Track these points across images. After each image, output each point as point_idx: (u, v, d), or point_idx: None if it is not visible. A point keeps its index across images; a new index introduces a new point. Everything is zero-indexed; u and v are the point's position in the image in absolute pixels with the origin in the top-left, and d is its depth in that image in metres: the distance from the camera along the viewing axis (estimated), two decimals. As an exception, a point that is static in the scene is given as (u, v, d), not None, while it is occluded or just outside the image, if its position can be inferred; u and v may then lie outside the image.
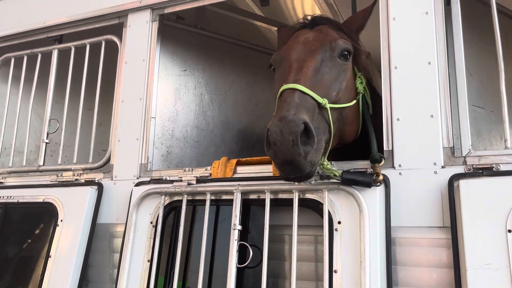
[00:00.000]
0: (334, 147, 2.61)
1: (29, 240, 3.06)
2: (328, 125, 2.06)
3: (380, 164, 2.15)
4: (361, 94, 2.38)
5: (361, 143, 2.42)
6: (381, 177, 2.11)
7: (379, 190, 2.13)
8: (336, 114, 2.17)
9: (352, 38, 2.44)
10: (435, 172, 2.12)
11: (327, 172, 2.16)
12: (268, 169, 2.51)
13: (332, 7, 4.20)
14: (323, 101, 2.03)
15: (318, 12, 4.35)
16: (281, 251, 2.39)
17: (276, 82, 2.32)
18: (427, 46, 2.28)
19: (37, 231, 3.08)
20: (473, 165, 2.06)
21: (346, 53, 2.30)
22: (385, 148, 2.26)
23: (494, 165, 2.01)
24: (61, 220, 2.85)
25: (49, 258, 2.75)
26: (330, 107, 2.06)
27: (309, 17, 2.52)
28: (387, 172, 2.19)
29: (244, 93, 3.97)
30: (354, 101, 2.32)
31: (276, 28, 4.34)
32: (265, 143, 1.90)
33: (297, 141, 1.79)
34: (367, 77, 2.59)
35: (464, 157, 2.10)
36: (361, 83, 2.40)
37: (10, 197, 3.13)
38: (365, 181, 2.10)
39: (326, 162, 2.14)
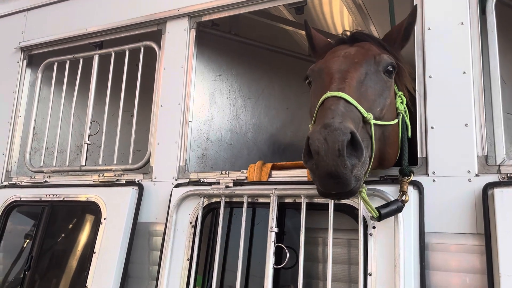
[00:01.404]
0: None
1: (73, 236, 3.23)
2: (371, 142, 1.90)
3: (408, 179, 2.14)
4: (401, 115, 2.23)
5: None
6: (407, 198, 2.09)
7: (413, 197, 2.19)
8: (379, 132, 2.03)
9: (394, 55, 2.30)
10: (469, 180, 2.16)
11: (368, 208, 2.02)
12: (303, 174, 2.59)
13: (362, 11, 4.23)
14: (368, 115, 1.89)
15: (347, 16, 4.39)
16: (315, 253, 2.48)
17: (312, 95, 2.20)
18: (462, 56, 2.32)
19: (80, 228, 3.25)
20: (507, 173, 2.10)
21: (391, 69, 2.16)
22: (419, 155, 2.32)
23: (528, 175, 2.05)
24: (104, 219, 3.02)
25: (94, 254, 2.92)
26: (374, 123, 1.91)
27: (348, 33, 2.38)
28: (421, 179, 2.25)
29: (276, 97, 4.06)
30: (396, 120, 2.17)
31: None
32: (304, 153, 1.73)
33: (343, 151, 1.61)
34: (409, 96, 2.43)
35: (498, 165, 2.14)
36: (402, 103, 2.25)
37: (56, 195, 3.32)
38: (398, 208, 2.07)
39: (364, 190, 1.97)
